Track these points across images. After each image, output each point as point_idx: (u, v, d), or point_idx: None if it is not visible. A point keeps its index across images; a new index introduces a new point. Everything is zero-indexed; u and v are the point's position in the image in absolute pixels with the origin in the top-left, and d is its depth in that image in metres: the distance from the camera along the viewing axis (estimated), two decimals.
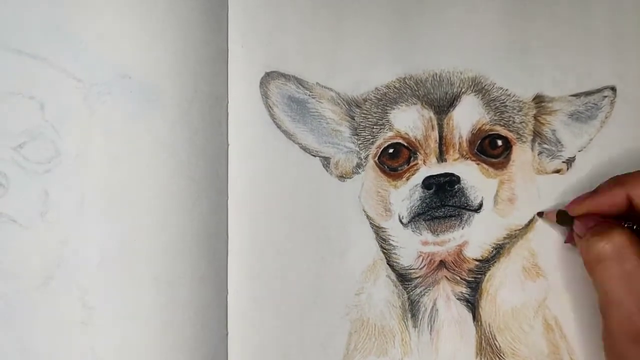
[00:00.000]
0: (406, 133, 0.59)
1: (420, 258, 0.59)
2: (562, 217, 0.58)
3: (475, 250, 0.59)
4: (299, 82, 0.60)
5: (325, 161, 0.60)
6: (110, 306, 0.55)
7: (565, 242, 0.59)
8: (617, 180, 0.55)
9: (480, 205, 0.59)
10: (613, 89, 0.60)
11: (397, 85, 0.60)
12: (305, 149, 0.60)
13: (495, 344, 0.59)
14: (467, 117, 0.59)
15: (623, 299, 0.51)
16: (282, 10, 0.61)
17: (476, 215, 0.59)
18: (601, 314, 0.52)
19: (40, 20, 0.57)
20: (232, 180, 0.59)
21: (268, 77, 0.60)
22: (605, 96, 0.60)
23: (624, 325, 0.51)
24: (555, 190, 0.60)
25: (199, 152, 0.58)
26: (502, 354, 0.59)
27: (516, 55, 0.61)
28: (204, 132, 0.58)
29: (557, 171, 0.60)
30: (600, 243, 0.52)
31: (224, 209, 0.59)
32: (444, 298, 0.59)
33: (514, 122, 0.60)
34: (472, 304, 0.59)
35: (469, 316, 0.59)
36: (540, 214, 0.59)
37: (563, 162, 0.60)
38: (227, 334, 0.58)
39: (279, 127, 0.60)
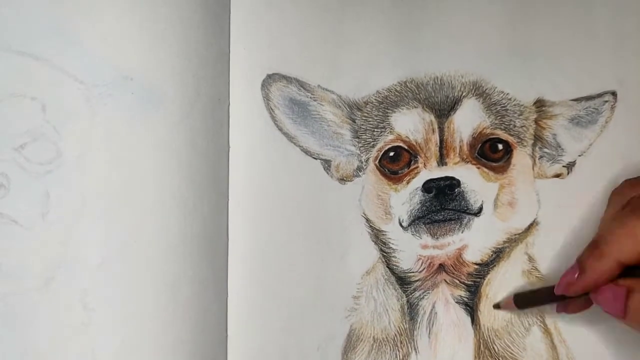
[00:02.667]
0: (407, 136, 0.59)
1: (420, 261, 0.59)
2: (523, 300, 0.58)
3: (475, 254, 0.59)
4: (301, 84, 0.60)
5: (326, 164, 0.60)
6: (110, 308, 0.55)
7: (558, 311, 0.58)
8: (601, 252, 0.52)
9: (480, 209, 0.59)
10: (614, 93, 0.60)
11: (398, 89, 0.60)
12: (306, 151, 0.60)
13: (493, 347, 0.59)
14: (468, 120, 0.59)
15: None
16: (284, 12, 0.61)
17: (476, 219, 0.59)
18: None
19: (42, 22, 0.57)
20: (233, 182, 0.59)
21: (270, 80, 0.60)
22: (606, 101, 0.60)
23: None
24: (556, 195, 0.60)
25: (200, 154, 0.58)
26: (500, 358, 0.59)
27: (517, 59, 0.61)
28: (205, 134, 0.58)
29: (558, 175, 0.60)
30: None
31: (224, 211, 0.59)
32: (443, 301, 0.59)
33: (514, 126, 0.60)
34: (471, 307, 0.59)
35: (468, 320, 0.59)
36: (496, 306, 0.59)
37: (563, 166, 0.60)
38: (226, 336, 0.58)
39: (280, 129, 0.60)
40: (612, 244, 0.51)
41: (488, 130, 0.59)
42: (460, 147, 0.59)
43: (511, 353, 0.59)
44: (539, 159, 0.60)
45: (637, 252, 0.50)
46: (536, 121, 0.60)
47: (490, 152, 0.59)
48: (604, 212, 0.56)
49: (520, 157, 0.60)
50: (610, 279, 0.51)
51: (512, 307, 0.58)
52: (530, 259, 0.59)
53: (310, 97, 0.60)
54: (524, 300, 0.58)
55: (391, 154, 0.59)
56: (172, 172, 0.57)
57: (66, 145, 0.56)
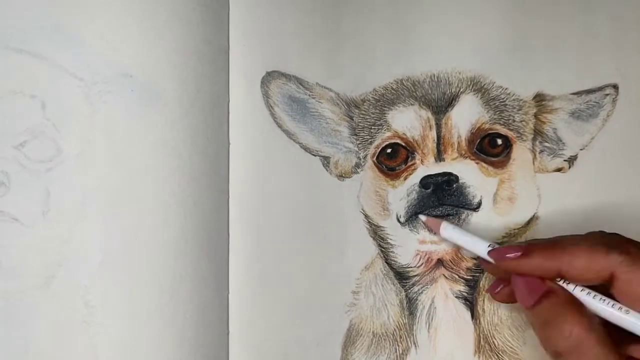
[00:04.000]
0: (404, 133, 0.59)
1: (418, 256, 0.59)
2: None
3: None
4: (300, 82, 0.60)
5: (325, 161, 0.60)
6: (111, 305, 0.56)
7: (474, 258, 0.58)
8: (553, 252, 0.50)
9: (479, 204, 0.59)
10: (615, 86, 0.60)
11: (394, 87, 0.60)
12: (305, 148, 0.60)
13: (493, 342, 0.59)
14: (466, 116, 0.59)
15: None
16: (283, 10, 0.61)
17: (475, 214, 0.59)
18: None
19: (41, 19, 0.57)
20: (233, 179, 0.60)
21: (269, 77, 0.60)
22: (607, 94, 0.60)
23: None
24: (557, 189, 0.60)
25: (200, 151, 0.58)
26: (500, 352, 0.59)
27: (516, 53, 0.60)
28: (205, 131, 0.59)
29: (559, 170, 0.60)
30: (555, 335, 0.48)
31: (225, 208, 0.59)
32: (442, 296, 0.59)
33: (514, 121, 0.60)
34: (471, 302, 0.59)
35: (467, 314, 0.59)
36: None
37: (565, 160, 0.60)
38: (228, 333, 0.59)
39: (279, 126, 0.60)
40: (568, 254, 0.50)
41: (487, 126, 0.59)
42: (459, 142, 0.59)
43: (511, 347, 0.59)
44: (539, 153, 0.60)
45: (581, 277, 0.50)
46: (536, 115, 0.60)
47: (489, 147, 0.59)
48: None
49: (520, 152, 0.60)
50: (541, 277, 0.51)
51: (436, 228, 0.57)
52: None
53: (309, 95, 0.60)
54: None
55: (388, 150, 0.60)
56: (172, 169, 0.57)
57: (66, 143, 0.56)
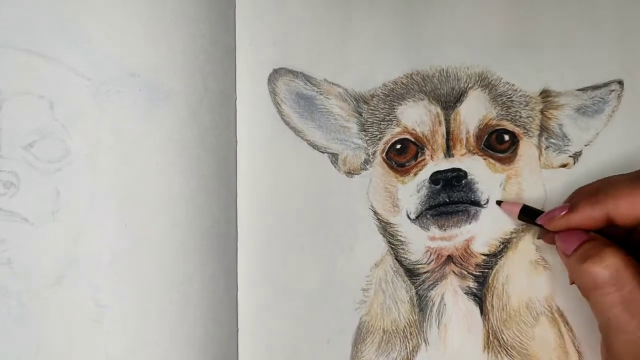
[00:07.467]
0: (413, 129, 0.59)
1: (428, 253, 0.59)
2: (526, 215, 0.57)
3: (483, 245, 0.59)
4: (307, 78, 0.60)
5: (334, 157, 0.60)
6: (121, 304, 0.56)
7: (538, 238, 0.59)
8: (597, 200, 0.52)
9: (487, 200, 0.59)
10: (620, 82, 0.60)
11: (404, 81, 0.60)
12: (313, 145, 0.60)
13: (502, 337, 0.59)
14: (474, 112, 0.59)
15: (626, 324, 0.49)
16: (290, 7, 0.61)
17: (483, 210, 0.59)
18: (602, 336, 0.51)
19: (49, 20, 0.57)
20: (241, 177, 0.59)
21: (276, 74, 0.60)
22: (612, 90, 0.60)
23: (629, 349, 0.49)
24: (562, 185, 0.60)
25: (208, 150, 0.58)
26: (509, 347, 0.59)
27: (523, 50, 0.61)
28: (213, 130, 0.59)
29: (564, 165, 0.60)
30: (595, 268, 0.50)
31: (233, 207, 0.59)
32: (452, 292, 0.60)
33: (520, 117, 0.60)
34: (480, 298, 0.59)
35: (477, 310, 0.59)
36: (498, 203, 0.59)
37: (570, 156, 0.60)
38: (237, 331, 0.59)
39: (287, 123, 0.60)
40: (612, 197, 0.51)
41: (494, 122, 0.59)
42: (467, 138, 0.59)
43: (520, 342, 0.59)
44: (545, 149, 0.60)
45: (630, 216, 0.50)
46: (542, 111, 0.60)
47: (497, 143, 0.59)
48: None
49: (527, 148, 0.60)
50: (586, 227, 0.53)
51: (513, 213, 0.58)
52: (538, 249, 0.60)
53: (317, 91, 0.60)
54: (526, 213, 0.57)
55: (398, 146, 0.60)
56: (180, 168, 0.57)
57: (75, 142, 0.56)
